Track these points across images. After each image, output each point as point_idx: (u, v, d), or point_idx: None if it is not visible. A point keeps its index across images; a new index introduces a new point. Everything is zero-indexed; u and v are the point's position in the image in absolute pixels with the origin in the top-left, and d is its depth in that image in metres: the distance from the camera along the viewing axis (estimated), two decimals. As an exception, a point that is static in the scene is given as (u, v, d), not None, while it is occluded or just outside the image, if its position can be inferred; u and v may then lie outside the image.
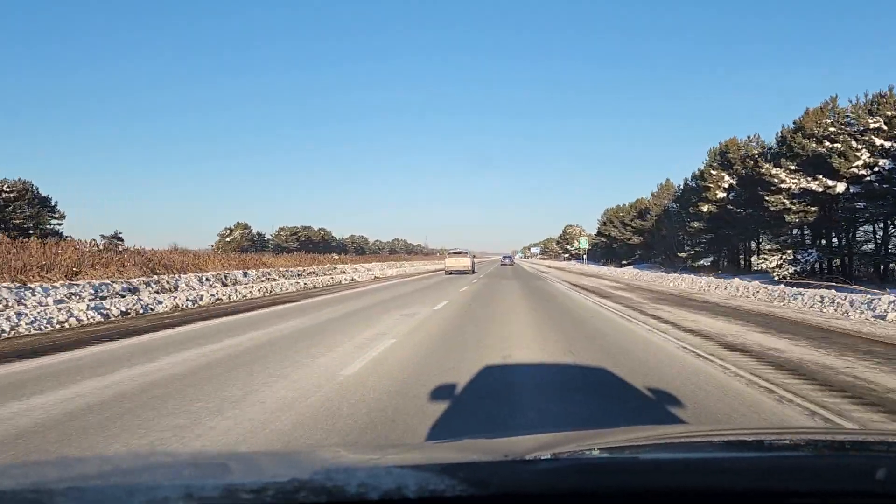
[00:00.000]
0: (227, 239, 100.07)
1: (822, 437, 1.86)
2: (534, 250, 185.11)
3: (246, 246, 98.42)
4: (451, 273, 38.07)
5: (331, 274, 34.24)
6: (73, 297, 14.31)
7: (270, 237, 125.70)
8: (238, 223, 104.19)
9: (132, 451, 3.57)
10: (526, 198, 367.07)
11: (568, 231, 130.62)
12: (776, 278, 26.71)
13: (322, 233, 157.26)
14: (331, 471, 0.95)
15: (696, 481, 0.93)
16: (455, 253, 41.95)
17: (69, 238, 32.49)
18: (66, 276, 16.08)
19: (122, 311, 13.26)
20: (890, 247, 27.62)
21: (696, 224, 38.68)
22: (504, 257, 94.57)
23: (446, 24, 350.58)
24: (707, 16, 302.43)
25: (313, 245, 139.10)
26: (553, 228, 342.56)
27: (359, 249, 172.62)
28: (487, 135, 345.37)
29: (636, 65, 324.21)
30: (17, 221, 50.48)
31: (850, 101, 26.43)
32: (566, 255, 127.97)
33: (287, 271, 31.92)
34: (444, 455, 1.36)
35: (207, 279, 22.39)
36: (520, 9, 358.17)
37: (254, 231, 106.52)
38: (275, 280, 26.87)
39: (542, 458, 1.19)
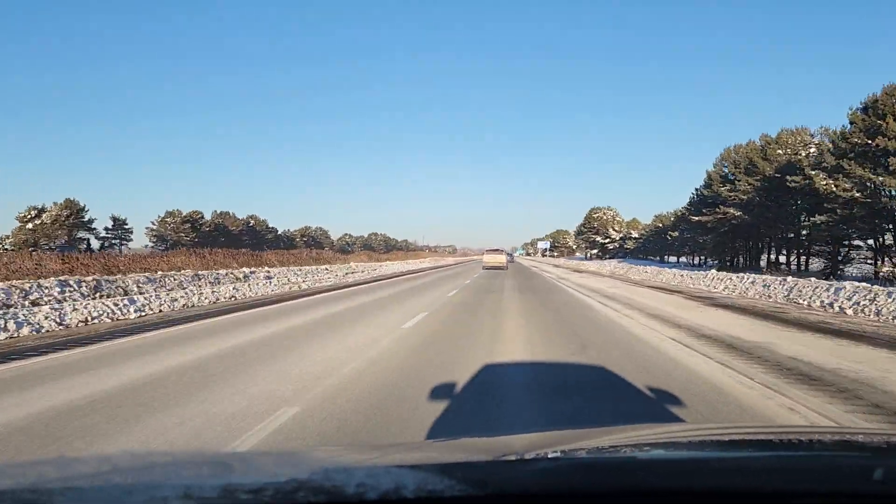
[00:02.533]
0: (29, 226, 59.32)
1: (821, 436, 1.82)
2: (541, 245, 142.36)
3: (62, 240, 57.26)
4: (487, 268, 37.66)
5: None
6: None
7: (153, 224, 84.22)
8: (67, 200, 63.01)
9: (130, 451, 3.13)
10: (526, 193, 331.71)
11: (596, 216, 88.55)
12: None
13: (252, 220, 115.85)
14: (329, 470, 0.94)
15: (694, 481, 0.91)
16: (492, 251, 42.08)
17: None
18: None
19: None
20: None
21: None
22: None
23: (445, 24, 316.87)
24: (713, 13, 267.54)
25: (230, 238, 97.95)
26: (560, 221, 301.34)
27: (312, 245, 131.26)
28: (485, 133, 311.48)
29: (636, 63, 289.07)
30: None
31: None
32: (595, 252, 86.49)
33: None
34: (443, 454, 1.36)
35: None
36: (519, 9, 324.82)
37: (90, 215, 65.24)
38: None
39: (541, 457, 1.19)
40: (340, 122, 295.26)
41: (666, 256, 60.83)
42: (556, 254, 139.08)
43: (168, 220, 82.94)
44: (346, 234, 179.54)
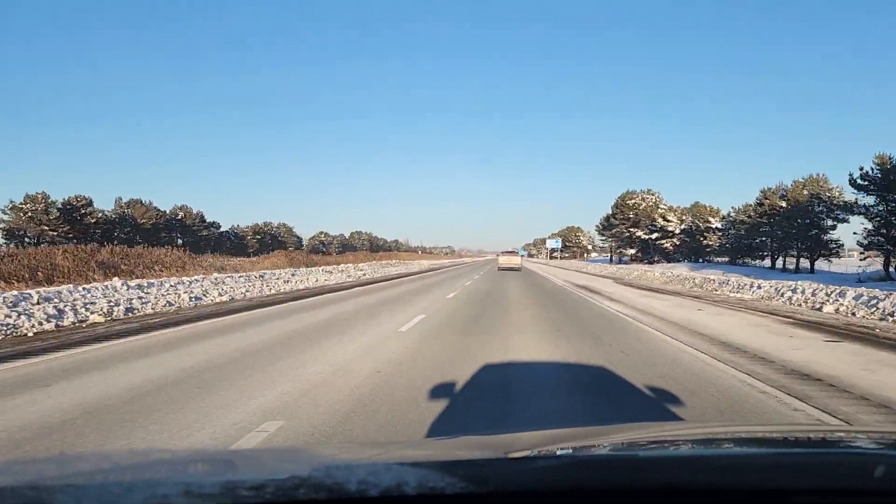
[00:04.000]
0: None
1: (822, 434, 1.82)
2: (550, 244, 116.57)
3: None
4: (502, 269, 37.57)
5: None
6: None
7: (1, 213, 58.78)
8: None
9: (131, 449, 3.26)
10: (527, 192, 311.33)
11: (631, 203, 63.88)
12: None
13: (182, 213, 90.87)
14: (330, 468, 0.94)
15: (695, 479, 0.91)
16: (507, 252, 43.54)
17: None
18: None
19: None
20: None
21: None
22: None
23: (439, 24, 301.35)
24: (717, 15, 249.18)
25: (143, 235, 73.60)
26: (566, 219, 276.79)
27: (271, 244, 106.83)
28: (487, 131, 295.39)
29: (635, 63, 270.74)
30: None
31: None
32: (633, 252, 61.89)
33: None
34: (445, 452, 1.35)
35: None
36: (521, 9, 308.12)
37: None
38: None
39: (542, 455, 1.18)
40: (338, 122, 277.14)
41: (782, 258, 36.05)
42: (566, 254, 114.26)
43: (27, 206, 58.09)
44: (320, 233, 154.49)
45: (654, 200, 64.33)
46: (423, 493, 0.78)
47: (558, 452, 1.20)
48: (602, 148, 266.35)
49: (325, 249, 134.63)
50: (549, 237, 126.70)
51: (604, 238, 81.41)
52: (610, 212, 75.96)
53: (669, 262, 47.97)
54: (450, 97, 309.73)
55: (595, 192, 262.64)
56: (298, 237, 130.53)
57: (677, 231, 51.18)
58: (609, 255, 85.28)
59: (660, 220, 55.43)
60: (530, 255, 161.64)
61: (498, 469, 0.99)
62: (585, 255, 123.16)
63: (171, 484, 0.82)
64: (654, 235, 55.24)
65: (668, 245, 52.22)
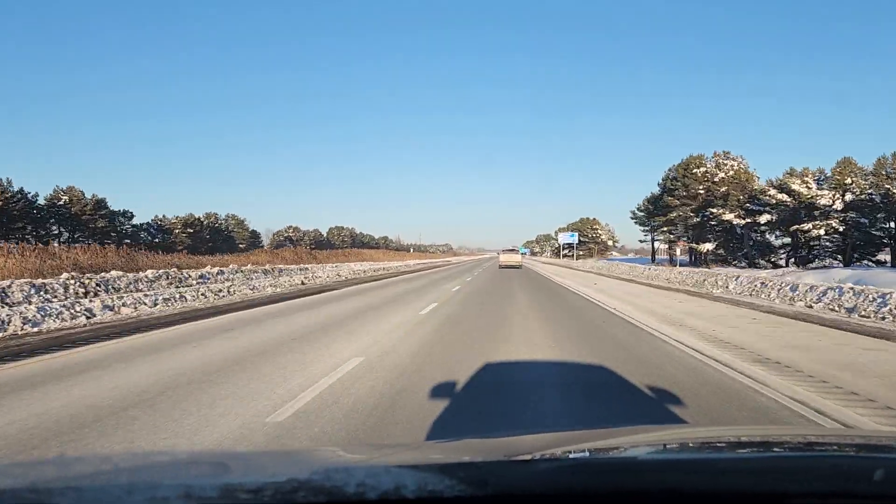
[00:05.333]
0: None
1: (821, 438, 1.86)
2: (564, 238, 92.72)
3: None
4: (503, 267, 40.28)
5: None
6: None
7: None
8: None
9: (131, 451, 3.36)
10: (530, 188, 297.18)
11: (699, 172, 40.55)
12: None
13: (66, 197, 66.76)
14: (329, 470, 0.95)
15: (696, 482, 0.93)
16: (508, 251, 46.15)
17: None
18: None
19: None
20: None
21: None
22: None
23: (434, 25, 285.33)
24: (713, 14, 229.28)
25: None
26: (578, 213, 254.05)
27: (208, 241, 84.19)
28: (487, 128, 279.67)
29: (637, 63, 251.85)
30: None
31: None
32: (708, 247, 39.08)
33: None
34: (444, 455, 1.36)
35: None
36: (522, 8, 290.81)
37: None
38: None
39: (542, 457, 1.19)
40: (334, 120, 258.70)
41: None
42: (584, 251, 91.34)
43: None
44: (288, 228, 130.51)
45: (736, 166, 41.32)
46: (421, 495, 0.78)
47: (559, 455, 1.21)
48: (608, 142, 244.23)
49: (292, 246, 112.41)
50: (559, 230, 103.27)
51: (647, 229, 58.40)
52: (657, 191, 52.95)
53: (827, 267, 24.87)
54: (449, 95, 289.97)
55: (606, 185, 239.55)
56: (254, 232, 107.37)
57: (839, 206, 27.57)
58: (651, 253, 62.47)
59: (772, 192, 32.09)
60: (533, 254, 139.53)
61: (497, 471, 0.99)
62: (604, 252, 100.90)
63: (170, 486, 0.82)
64: (765, 218, 32.05)
65: (817, 232, 28.70)
